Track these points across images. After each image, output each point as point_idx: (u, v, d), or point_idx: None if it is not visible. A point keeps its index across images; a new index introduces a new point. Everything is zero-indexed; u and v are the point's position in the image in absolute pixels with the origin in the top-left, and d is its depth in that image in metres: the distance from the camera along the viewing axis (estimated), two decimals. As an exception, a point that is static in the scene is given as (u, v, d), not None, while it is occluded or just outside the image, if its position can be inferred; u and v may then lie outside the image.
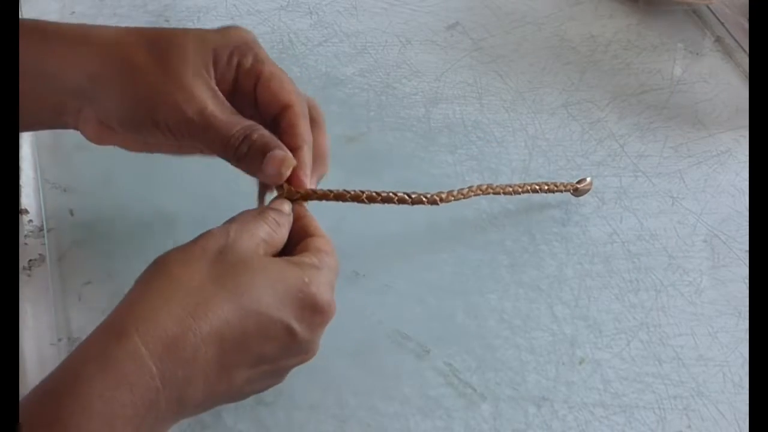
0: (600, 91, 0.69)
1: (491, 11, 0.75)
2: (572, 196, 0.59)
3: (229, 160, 0.43)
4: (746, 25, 0.75)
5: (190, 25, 0.69)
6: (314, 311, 0.38)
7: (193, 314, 0.34)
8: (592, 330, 0.51)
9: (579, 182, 0.58)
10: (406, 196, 0.45)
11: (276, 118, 0.43)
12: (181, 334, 0.34)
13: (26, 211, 0.53)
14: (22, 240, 0.52)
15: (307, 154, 0.43)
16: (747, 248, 0.57)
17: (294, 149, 0.42)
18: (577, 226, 0.58)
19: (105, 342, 0.34)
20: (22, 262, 0.50)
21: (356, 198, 0.44)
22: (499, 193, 0.52)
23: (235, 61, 0.43)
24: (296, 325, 0.37)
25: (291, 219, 0.42)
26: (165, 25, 0.68)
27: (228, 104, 0.42)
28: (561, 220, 0.58)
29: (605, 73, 0.70)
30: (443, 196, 0.47)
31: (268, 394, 0.46)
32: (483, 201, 0.58)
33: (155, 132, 0.42)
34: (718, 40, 0.75)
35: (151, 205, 0.54)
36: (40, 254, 0.51)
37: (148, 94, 0.41)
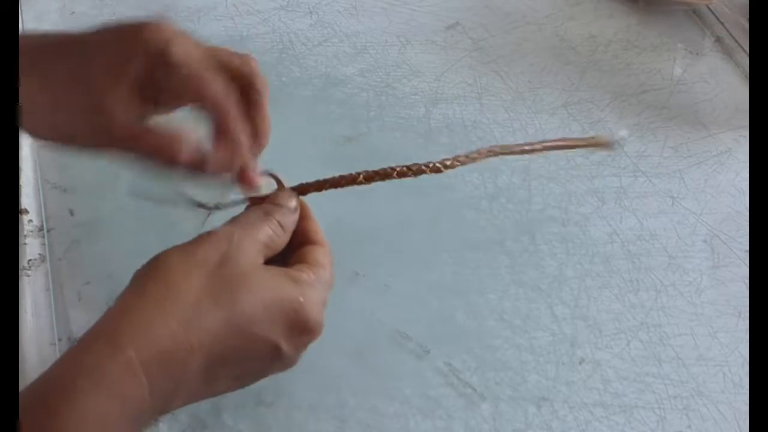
0: (600, 91, 0.69)
1: (491, 11, 0.75)
2: (572, 197, 0.59)
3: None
4: (746, 25, 0.75)
5: (190, 26, 0.69)
6: (303, 331, 0.38)
7: (187, 329, 0.35)
8: (592, 330, 0.51)
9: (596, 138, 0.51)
10: (406, 169, 0.43)
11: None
12: (173, 349, 0.34)
13: (26, 211, 0.53)
14: (22, 240, 0.52)
15: (240, 153, 0.41)
16: (747, 248, 0.57)
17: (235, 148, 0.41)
18: (577, 226, 0.58)
19: (99, 352, 0.34)
20: (22, 262, 0.50)
21: (353, 181, 0.42)
22: (508, 154, 0.46)
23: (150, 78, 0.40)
24: (284, 344, 0.37)
25: (296, 219, 0.41)
26: (165, 25, 0.68)
27: (144, 113, 0.41)
28: (561, 220, 0.58)
29: (605, 73, 0.70)
30: (447, 163, 0.43)
31: (268, 394, 0.46)
32: (483, 201, 0.58)
33: (87, 149, 0.41)
34: (718, 40, 0.75)
35: (151, 205, 0.54)
36: (40, 254, 0.51)
37: (69, 114, 0.40)
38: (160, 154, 0.41)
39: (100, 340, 0.34)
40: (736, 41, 0.74)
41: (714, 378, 0.50)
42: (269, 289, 0.37)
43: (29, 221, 0.53)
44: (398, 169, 0.42)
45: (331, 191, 0.43)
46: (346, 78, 0.66)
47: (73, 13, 0.69)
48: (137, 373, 0.33)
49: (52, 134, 0.42)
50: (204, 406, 0.45)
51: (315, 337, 0.39)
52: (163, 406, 0.35)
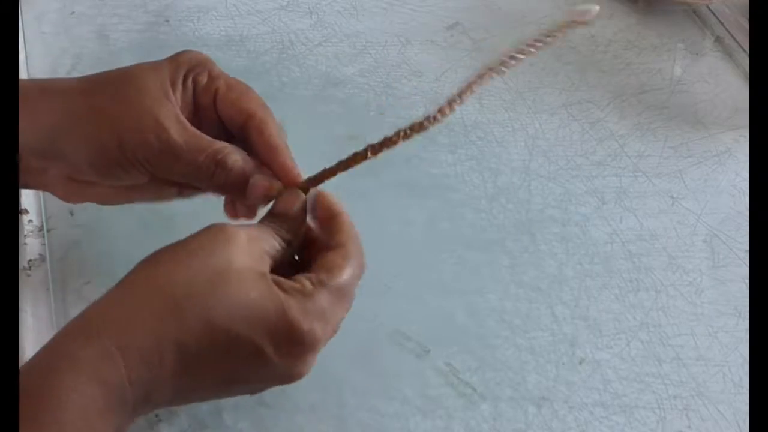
0: (600, 91, 0.69)
1: (491, 11, 0.75)
2: (572, 196, 0.59)
3: (209, 189, 0.43)
4: (746, 25, 0.75)
5: (190, 26, 0.69)
6: (290, 341, 0.36)
7: (164, 325, 0.35)
8: (592, 330, 0.51)
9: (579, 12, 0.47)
10: (409, 131, 0.41)
11: (242, 128, 0.43)
12: (149, 342, 0.34)
13: (26, 211, 0.53)
14: (22, 240, 0.52)
15: (284, 153, 0.43)
16: (747, 248, 0.57)
17: (270, 153, 0.42)
18: (577, 226, 0.58)
19: (79, 340, 0.34)
20: (22, 262, 0.50)
21: (363, 158, 0.41)
22: (503, 67, 0.43)
23: (190, 81, 0.43)
24: (270, 351, 0.36)
25: (302, 225, 0.41)
26: (165, 25, 0.68)
27: (192, 128, 0.42)
28: (561, 220, 0.58)
29: (605, 73, 0.70)
30: (445, 110, 0.42)
31: (268, 395, 0.46)
32: (483, 201, 0.58)
33: (128, 170, 0.42)
34: (718, 40, 0.75)
35: (151, 205, 0.54)
36: (40, 254, 0.51)
37: (113, 132, 0.41)
38: (209, 156, 0.41)
39: (79, 330, 0.35)
40: (736, 41, 0.74)
41: (714, 378, 0.50)
42: (253, 291, 0.36)
43: (29, 221, 0.53)
44: (402, 132, 0.41)
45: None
46: (346, 78, 0.66)
47: (73, 13, 0.69)
48: (115, 360, 0.33)
49: (93, 157, 0.42)
50: (204, 406, 0.45)
51: (306, 348, 0.37)
52: (146, 395, 0.35)
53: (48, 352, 0.34)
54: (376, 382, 0.47)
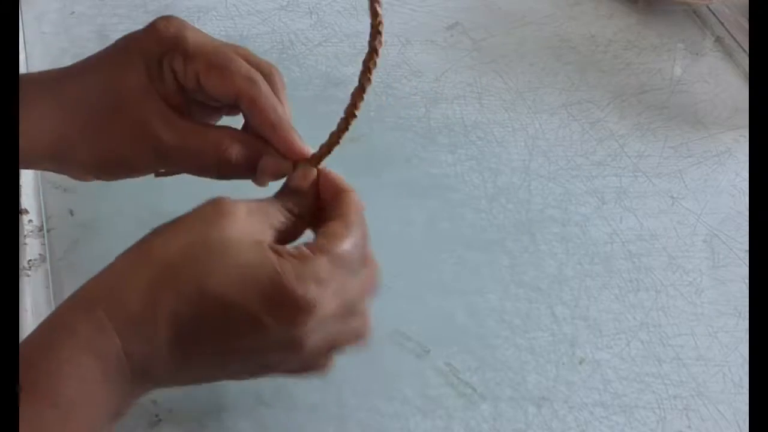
0: (600, 91, 0.69)
1: (491, 11, 0.75)
2: (572, 196, 0.59)
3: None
4: (746, 25, 0.75)
5: (190, 25, 0.69)
6: (283, 304, 0.35)
7: (155, 290, 0.34)
8: (592, 330, 0.51)
9: None
10: (366, 72, 0.44)
11: (236, 102, 0.42)
12: (141, 312, 0.34)
13: (26, 211, 0.53)
14: (22, 240, 0.52)
15: (284, 129, 0.42)
16: (747, 248, 0.57)
17: (270, 131, 0.41)
18: (577, 226, 0.58)
19: (73, 312, 0.34)
20: (22, 262, 0.50)
21: (351, 116, 0.42)
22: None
23: (168, 69, 0.41)
24: (265, 316, 0.35)
25: (310, 202, 0.40)
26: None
27: (185, 123, 0.41)
28: (561, 220, 0.58)
29: (605, 73, 0.70)
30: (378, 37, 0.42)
31: (268, 394, 0.46)
32: (483, 201, 0.58)
33: (131, 173, 0.42)
34: (718, 40, 0.75)
35: (151, 205, 0.54)
36: (40, 254, 0.51)
37: (110, 148, 0.41)
38: (210, 154, 0.41)
39: (74, 302, 0.35)
40: (736, 41, 0.74)
41: (714, 378, 0.50)
42: (247, 256, 0.35)
43: (29, 221, 0.53)
44: (367, 71, 0.44)
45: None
46: (347, 78, 0.66)
47: (73, 13, 0.69)
48: (108, 331, 0.33)
49: (99, 166, 0.42)
50: (204, 405, 0.45)
51: (301, 313, 0.35)
52: (143, 367, 0.34)
53: (47, 325, 0.35)
54: (376, 382, 0.47)
